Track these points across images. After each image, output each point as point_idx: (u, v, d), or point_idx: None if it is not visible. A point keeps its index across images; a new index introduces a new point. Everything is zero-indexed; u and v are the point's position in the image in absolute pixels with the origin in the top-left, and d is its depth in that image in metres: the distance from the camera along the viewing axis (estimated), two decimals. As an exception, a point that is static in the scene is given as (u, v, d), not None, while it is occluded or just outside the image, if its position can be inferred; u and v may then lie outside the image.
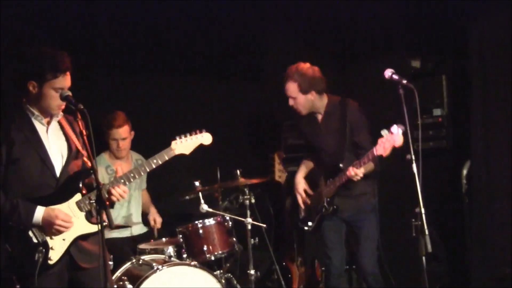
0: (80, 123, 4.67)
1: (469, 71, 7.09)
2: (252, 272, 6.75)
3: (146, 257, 6.48)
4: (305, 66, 6.56)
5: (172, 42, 7.83)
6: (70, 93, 4.73)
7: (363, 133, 6.47)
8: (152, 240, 6.94)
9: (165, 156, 5.17)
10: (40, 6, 6.82)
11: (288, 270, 7.39)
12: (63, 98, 4.72)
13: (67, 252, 4.81)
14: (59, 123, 4.96)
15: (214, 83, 8.12)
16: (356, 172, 6.23)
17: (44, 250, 4.70)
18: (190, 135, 5.34)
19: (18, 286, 4.69)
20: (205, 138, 5.43)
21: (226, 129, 7.99)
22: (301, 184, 6.88)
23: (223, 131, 7.91)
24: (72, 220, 4.80)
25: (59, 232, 4.74)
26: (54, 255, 4.75)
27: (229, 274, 6.94)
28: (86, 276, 4.86)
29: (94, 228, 4.81)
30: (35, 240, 4.72)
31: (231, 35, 7.96)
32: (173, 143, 5.25)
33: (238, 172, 6.88)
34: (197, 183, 6.73)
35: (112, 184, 4.94)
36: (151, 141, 7.52)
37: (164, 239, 6.97)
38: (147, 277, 6.10)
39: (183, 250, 6.70)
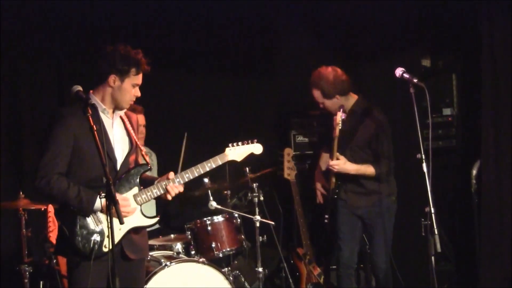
0: (137, 118, 5.20)
1: (480, 70, 7.06)
2: (260, 269, 6.74)
3: (155, 253, 6.50)
4: (327, 71, 6.59)
5: (182, 39, 7.83)
6: (80, 88, 4.77)
7: (378, 140, 6.50)
8: (160, 236, 6.94)
9: (218, 160, 5.28)
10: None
11: (296, 268, 7.38)
12: (73, 93, 4.76)
13: (120, 241, 4.93)
14: (121, 118, 5.10)
15: (224, 80, 8.11)
16: (332, 163, 6.43)
17: (100, 237, 4.85)
18: (242, 144, 5.42)
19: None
20: (256, 148, 5.49)
21: (235, 126, 7.99)
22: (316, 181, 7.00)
23: (233, 128, 7.94)
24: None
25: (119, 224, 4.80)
26: (109, 243, 4.81)
27: (237, 271, 6.94)
28: (129, 266, 4.99)
29: (148, 222, 5.08)
30: (92, 227, 4.85)
31: (242, 32, 7.95)
32: (226, 149, 5.35)
33: (247, 169, 6.89)
34: (206, 180, 6.75)
35: (169, 182, 5.08)
36: (160, 135, 7.57)
37: (172, 236, 6.98)
38: (155, 273, 6.12)
39: (191, 247, 6.71)
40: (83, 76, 6.39)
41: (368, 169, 6.49)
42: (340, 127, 6.43)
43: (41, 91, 7.28)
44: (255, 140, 5.48)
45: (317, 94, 6.61)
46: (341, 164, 6.46)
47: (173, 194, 5.09)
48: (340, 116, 6.41)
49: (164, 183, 5.07)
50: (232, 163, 5.42)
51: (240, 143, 5.41)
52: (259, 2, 7.73)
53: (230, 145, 5.38)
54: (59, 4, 7.04)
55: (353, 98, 6.66)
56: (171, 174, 5.12)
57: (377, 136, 6.50)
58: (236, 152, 5.38)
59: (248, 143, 5.44)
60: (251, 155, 5.46)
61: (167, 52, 7.74)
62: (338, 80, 6.56)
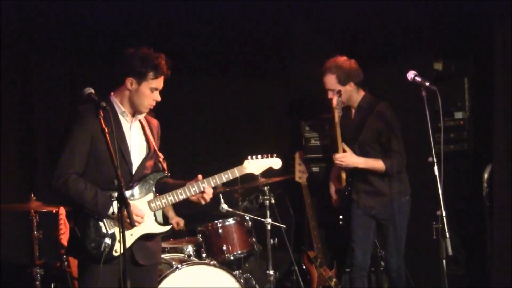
0: (157, 124, 5.16)
1: (492, 74, 7.04)
2: (271, 272, 6.74)
3: (166, 256, 6.49)
4: (343, 58, 6.60)
5: (193, 42, 7.83)
6: (92, 90, 4.75)
7: (386, 135, 6.47)
8: (171, 239, 6.95)
9: (236, 172, 5.26)
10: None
11: (307, 271, 7.38)
12: (85, 95, 4.74)
13: (131, 247, 4.92)
14: (140, 122, 5.10)
15: (236, 82, 8.11)
16: (337, 156, 6.46)
17: (111, 241, 4.84)
18: (262, 157, 5.41)
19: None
20: (275, 162, 5.47)
21: (247, 129, 7.99)
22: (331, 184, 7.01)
23: (244, 131, 7.94)
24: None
25: (130, 227, 4.80)
26: (120, 248, 4.80)
27: (248, 274, 6.94)
28: (141, 271, 4.98)
29: (160, 229, 5.07)
30: (104, 230, 4.86)
31: (254, 34, 7.95)
32: (245, 162, 5.33)
33: (259, 172, 6.89)
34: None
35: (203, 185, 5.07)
36: (170, 138, 7.58)
37: (183, 238, 6.98)
38: (166, 276, 6.13)
39: (203, 249, 6.73)
40: (97, 78, 6.43)
41: (377, 163, 6.46)
42: (340, 113, 6.41)
43: (54, 93, 7.30)
44: (275, 155, 5.44)
45: (331, 80, 6.56)
46: (348, 156, 6.45)
47: (207, 199, 5.09)
48: (336, 100, 6.39)
49: (180, 191, 5.04)
50: (249, 175, 5.41)
51: (259, 156, 5.38)
52: (272, 6, 7.74)
53: (249, 157, 5.35)
54: (72, 5, 7.06)
55: (362, 93, 6.67)
56: (200, 176, 5.10)
57: (384, 131, 6.48)
58: (255, 165, 5.35)
59: (267, 157, 5.41)
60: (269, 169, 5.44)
61: (178, 55, 7.72)
62: (354, 68, 6.57)
